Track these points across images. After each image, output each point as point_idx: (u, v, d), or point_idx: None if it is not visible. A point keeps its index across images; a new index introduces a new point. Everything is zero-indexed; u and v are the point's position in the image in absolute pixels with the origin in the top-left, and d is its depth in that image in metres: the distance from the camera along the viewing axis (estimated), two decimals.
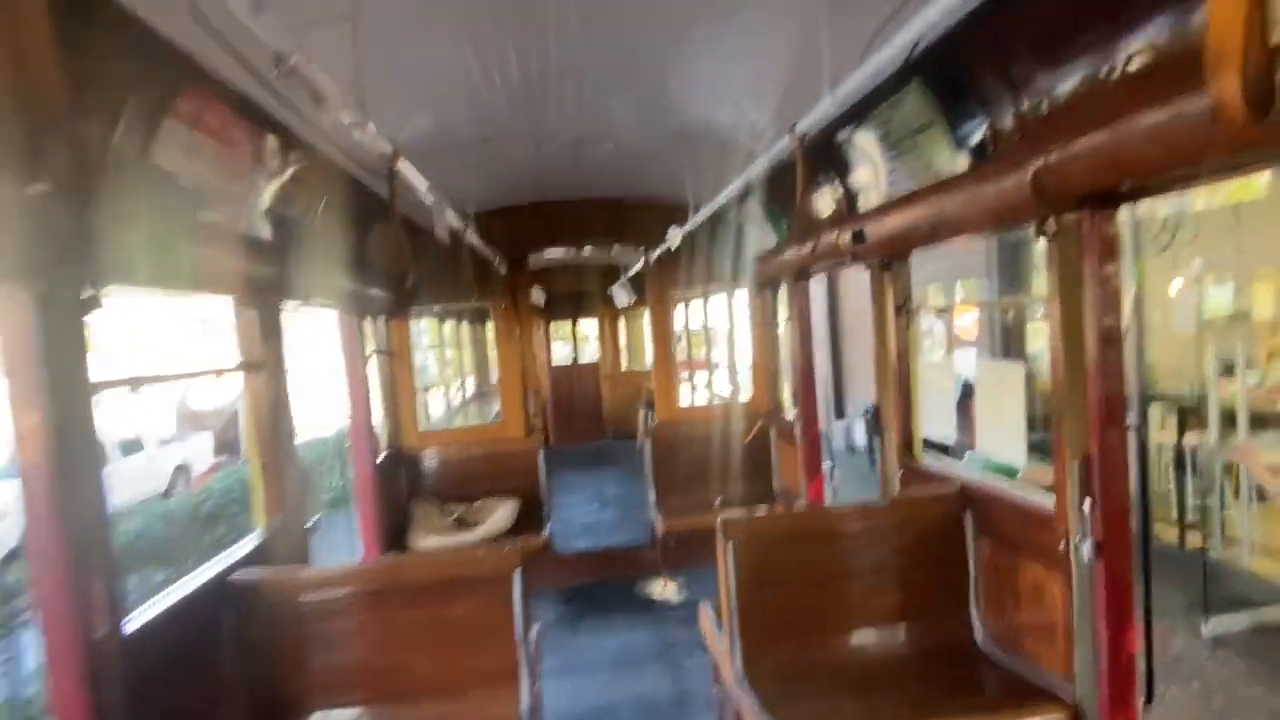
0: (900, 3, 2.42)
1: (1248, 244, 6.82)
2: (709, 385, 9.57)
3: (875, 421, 4.08)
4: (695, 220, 4.33)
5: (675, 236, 4.76)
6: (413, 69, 2.94)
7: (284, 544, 3.25)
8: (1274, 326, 7.03)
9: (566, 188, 5.47)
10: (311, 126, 2.82)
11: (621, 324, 13.79)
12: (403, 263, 5.42)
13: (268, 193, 2.99)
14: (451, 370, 9.96)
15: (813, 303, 6.34)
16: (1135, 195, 2.26)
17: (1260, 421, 6.29)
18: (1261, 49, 0.90)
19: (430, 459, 5.97)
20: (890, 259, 3.84)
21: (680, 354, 11.44)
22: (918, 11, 2.34)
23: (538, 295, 10.63)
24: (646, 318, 14.34)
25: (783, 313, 6.09)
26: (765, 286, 6.18)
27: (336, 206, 3.72)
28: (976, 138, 2.66)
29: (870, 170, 3.48)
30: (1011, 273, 8.47)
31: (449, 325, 9.45)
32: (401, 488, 5.77)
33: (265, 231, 3.04)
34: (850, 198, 3.76)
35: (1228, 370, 6.38)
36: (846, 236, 3.88)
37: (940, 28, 2.46)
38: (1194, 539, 6.24)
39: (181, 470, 15.22)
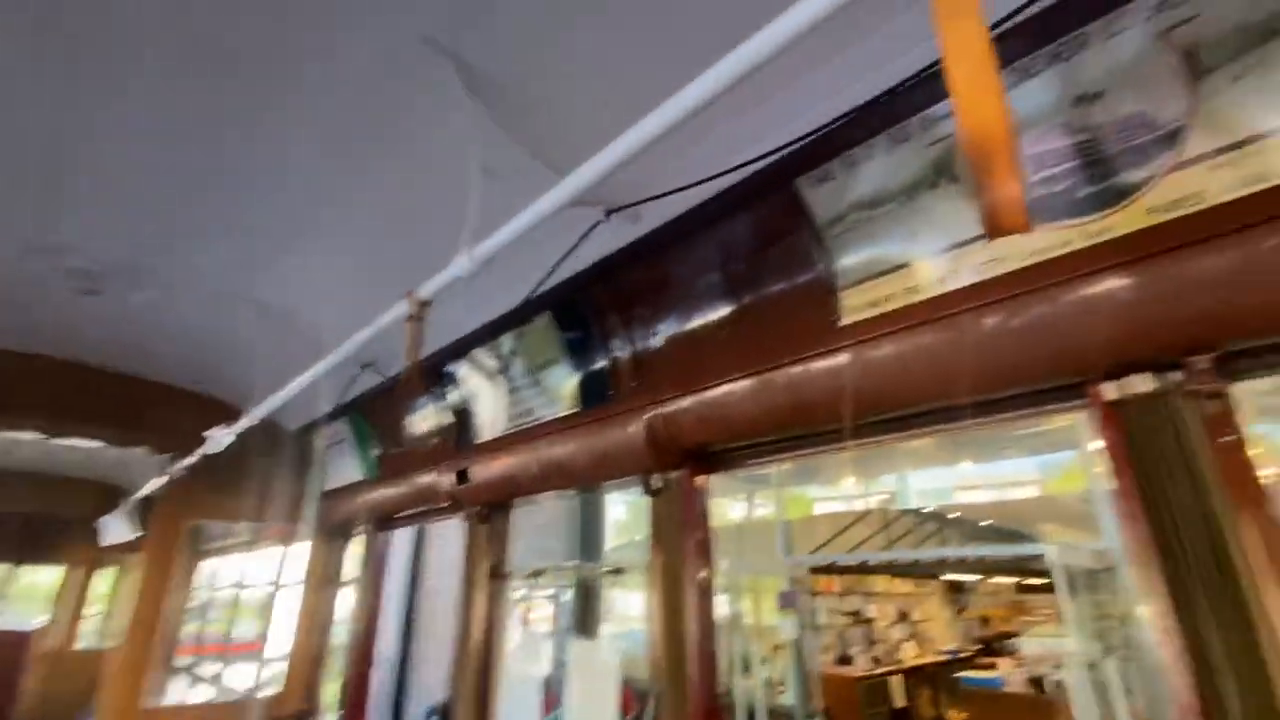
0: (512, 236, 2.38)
1: (743, 558, 8.57)
2: (218, 677, 6.75)
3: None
4: (250, 418, 3.20)
5: (219, 438, 3.43)
6: None
7: None
8: (758, 629, 8.57)
9: (60, 333, 3.69)
10: None
11: (107, 575, 9.43)
12: None
13: None
14: None
15: (393, 565, 5.25)
16: (740, 459, 2.32)
17: (773, 714, 7.11)
18: None
19: None
20: (492, 509, 3.34)
21: (191, 627, 8.16)
22: (552, 246, 2.31)
23: None
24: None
25: (350, 569, 4.81)
26: (333, 534, 4.90)
27: None
28: (598, 380, 2.57)
29: (487, 403, 3.14)
30: (590, 554, 8.85)
31: None
32: None
33: None
34: (460, 432, 3.29)
35: (745, 667, 7.27)
36: (449, 477, 3.30)
37: (574, 266, 2.47)
38: None
39: None
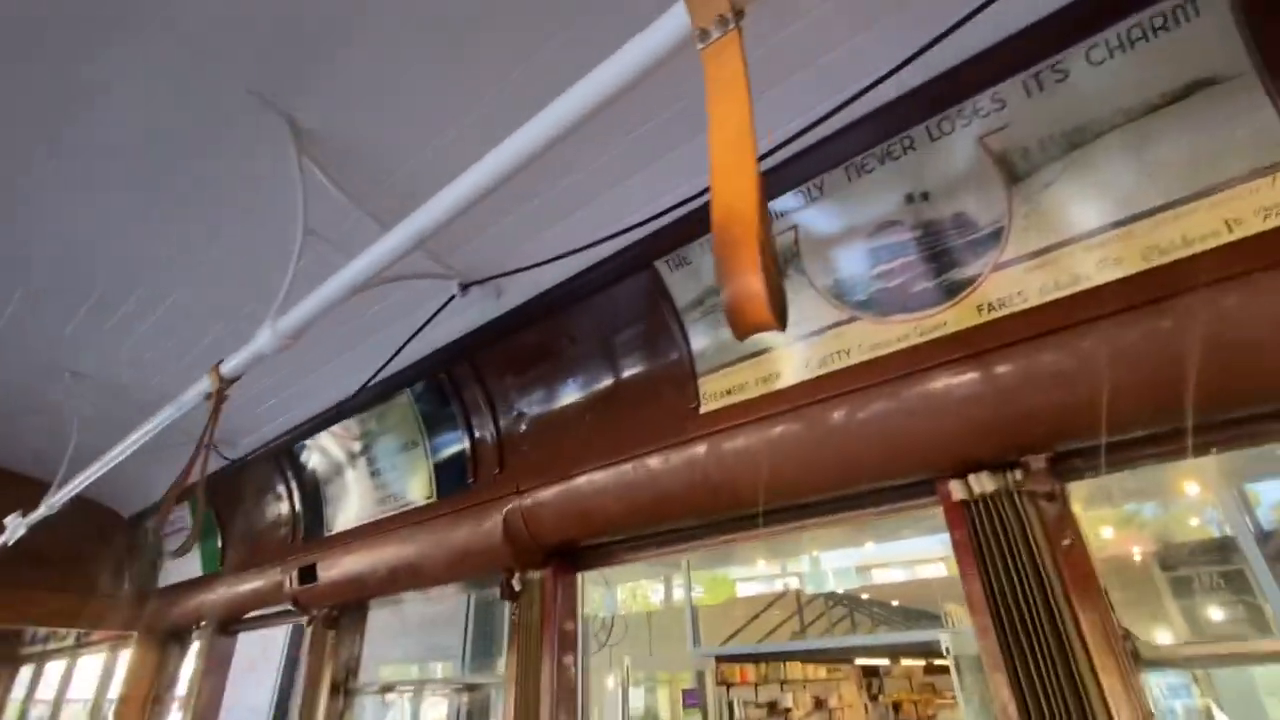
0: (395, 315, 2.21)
1: (657, 647, 8.12)
2: None
3: None
4: (47, 507, 2.70)
5: (15, 527, 2.88)
6: None
7: None
8: None
9: None
10: None
11: None
12: None
13: None
14: None
15: (253, 675, 4.55)
16: (607, 555, 2.12)
17: None
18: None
19: None
20: (342, 611, 2.94)
21: None
22: (411, 321, 2.14)
23: None
24: None
25: (184, 686, 4.11)
26: (167, 639, 4.20)
27: None
28: (456, 464, 2.34)
29: (342, 489, 2.81)
30: (486, 649, 8.12)
31: None
32: None
33: None
34: (310, 523, 2.93)
35: None
36: (293, 575, 2.90)
37: (435, 342, 2.30)
38: None
39: None
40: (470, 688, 3.18)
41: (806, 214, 1.56)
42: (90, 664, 5.71)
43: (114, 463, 2.44)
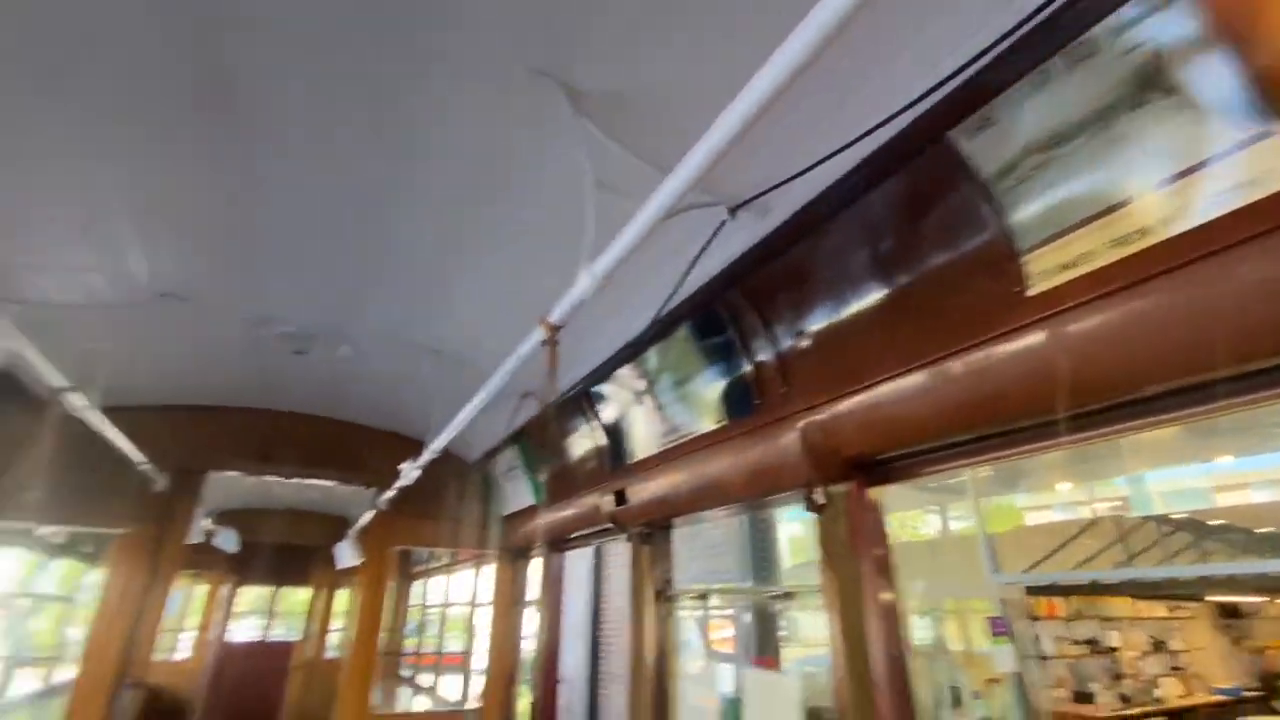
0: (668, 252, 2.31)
1: (941, 577, 7.63)
2: (434, 688, 7.48)
3: None
4: (430, 451, 3.50)
5: (409, 471, 3.82)
6: (58, 176, 2.09)
7: None
8: (969, 657, 7.55)
9: (285, 392, 4.37)
10: None
11: (345, 596, 10.99)
12: None
13: None
14: (43, 639, 6.64)
15: (574, 584, 5.44)
16: (916, 468, 2.02)
17: None
18: None
19: None
20: (651, 530, 3.29)
21: (410, 643, 9.17)
22: (682, 256, 2.21)
23: (227, 539, 8.16)
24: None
25: (534, 591, 5.07)
26: (515, 557, 5.21)
27: None
28: (741, 389, 2.42)
29: (637, 422, 3.12)
30: (764, 574, 8.51)
31: (58, 565, 6.56)
32: None
33: None
34: (614, 453, 3.30)
35: (955, 701, 6.43)
36: (608, 499, 3.32)
37: (706, 274, 2.36)
38: None
39: None
40: (773, 598, 3.34)
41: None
42: (463, 578, 7.36)
43: (470, 417, 3.04)
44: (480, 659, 6.48)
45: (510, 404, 3.41)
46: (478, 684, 6.36)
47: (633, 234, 1.49)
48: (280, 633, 10.73)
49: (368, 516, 6.08)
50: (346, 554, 8.38)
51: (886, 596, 2.01)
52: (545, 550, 4.54)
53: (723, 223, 2.03)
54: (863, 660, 1.96)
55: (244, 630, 10.56)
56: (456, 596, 8.00)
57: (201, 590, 9.68)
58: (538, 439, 4.02)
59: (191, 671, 8.83)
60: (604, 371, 3.08)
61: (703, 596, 3.07)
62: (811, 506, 2.22)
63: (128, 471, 3.96)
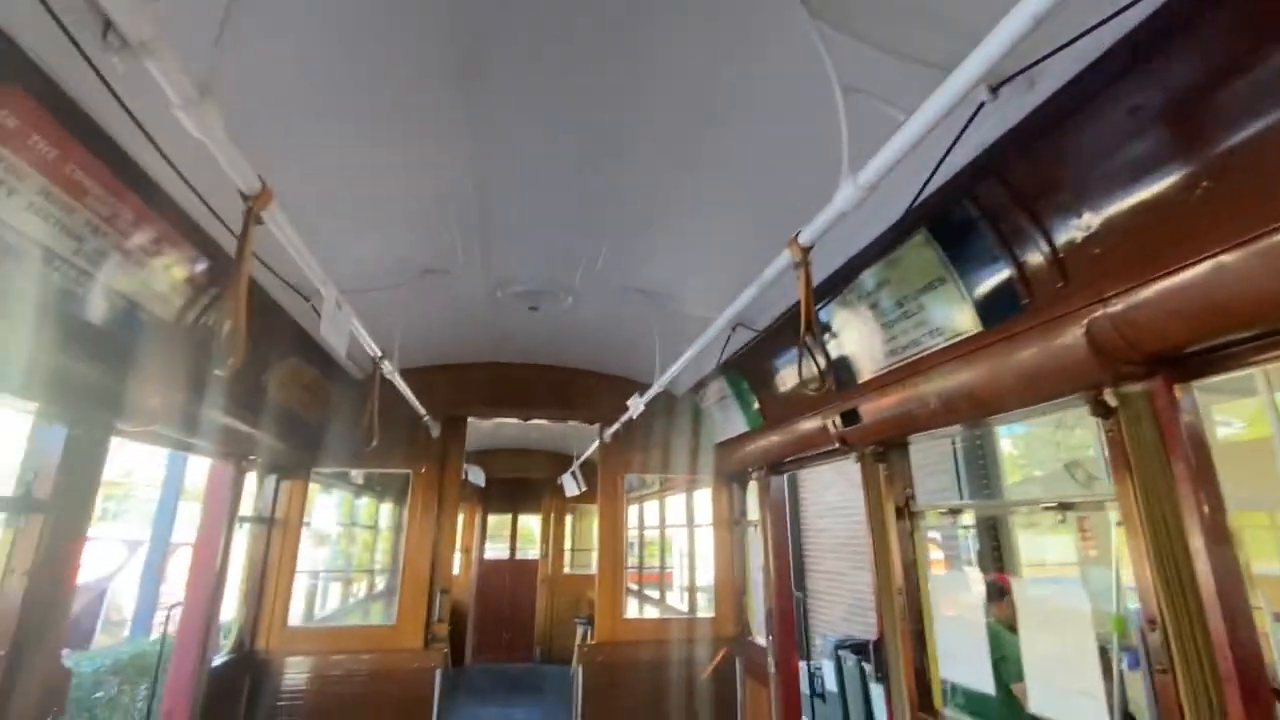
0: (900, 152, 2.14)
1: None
2: (660, 600, 8.24)
3: (878, 660, 3.09)
4: (658, 385, 3.75)
5: (636, 406, 4.14)
6: (346, 173, 2.48)
7: None
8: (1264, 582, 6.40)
9: (519, 344, 4.92)
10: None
11: (569, 520, 12.46)
12: (316, 409, 4.62)
13: (130, 271, 2.29)
14: (360, 558, 8.45)
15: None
16: (1240, 358, 1.74)
17: None
18: None
19: (293, 671, 4.50)
20: (886, 448, 3.23)
21: (630, 562, 10.16)
22: (921, 157, 2.03)
23: (477, 475, 9.56)
24: (596, 515, 13.01)
25: (752, 513, 5.29)
26: (730, 481, 5.45)
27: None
28: (1003, 292, 2.21)
29: (864, 339, 3.02)
30: (983, 492, 7.94)
31: (365, 500, 8.21)
32: (237, 713, 4.23)
33: (106, 321, 2.28)
34: (839, 373, 3.26)
35: None
36: (834, 419, 3.30)
37: (949, 169, 2.15)
38: None
39: None
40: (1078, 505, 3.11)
41: None
42: (675, 501, 7.89)
43: (696, 352, 3.17)
44: (694, 576, 7.00)
45: (721, 334, 3.48)
46: (696, 598, 6.91)
47: (909, 135, 1.41)
48: (523, 554, 12.50)
49: (592, 449, 6.71)
50: (571, 484, 9.41)
51: (1212, 509, 1.79)
52: (763, 474, 4.68)
53: (980, 105, 1.82)
54: (1182, 584, 1.77)
55: (494, 551, 12.43)
56: (672, 520, 8.64)
57: (460, 518, 11.60)
58: (753, 367, 4.08)
59: (463, 583, 10.66)
60: (828, 288, 3.00)
61: (953, 513, 2.97)
62: (1098, 410, 2.02)
63: (415, 422, 4.80)
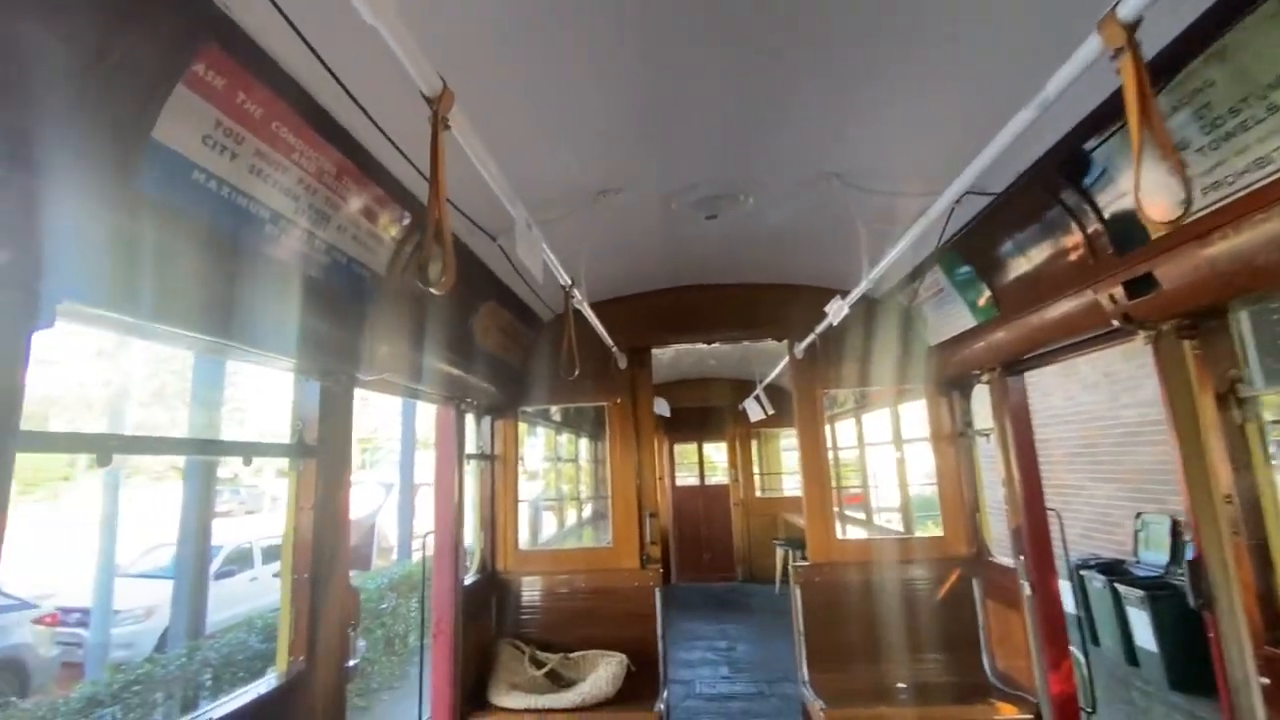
0: None
1: None
2: (867, 521, 7.82)
3: (1195, 580, 2.48)
4: (868, 281, 3.26)
5: (838, 310, 3.68)
6: (522, 93, 2.33)
7: (309, 692, 2.41)
8: None
9: (698, 264, 4.67)
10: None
11: (754, 445, 12.35)
12: (516, 351, 4.83)
13: (349, 231, 2.41)
14: (567, 489, 9.11)
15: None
16: None
17: None
18: None
19: (528, 588, 4.95)
20: (1196, 320, 2.49)
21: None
22: None
23: (661, 406, 9.72)
24: (782, 439, 12.88)
25: (980, 422, 4.63)
26: (950, 388, 4.79)
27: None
28: None
29: (1159, 179, 2.27)
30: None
31: (565, 437, 8.73)
32: (489, 623, 4.75)
33: (335, 280, 2.44)
34: (1120, 234, 2.53)
35: None
36: (1112, 292, 2.61)
37: None
38: None
39: None
40: None
41: None
42: (878, 416, 7.30)
43: (916, 235, 2.66)
44: (907, 495, 6.44)
45: (941, 217, 2.88)
46: (905, 518, 6.39)
47: None
48: (711, 479, 12.73)
49: (779, 369, 6.36)
50: (755, 409, 9.17)
51: None
52: (995, 375, 4.01)
53: None
54: None
55: (683, 478, 12.81)
56: (875, 437, 8.07)
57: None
58: (981, 246, 3.41)
59: (661, 509, 11.14)
60: (1097, 122, 2.30)
61: None
62: None
63: (605, 356, 4.83)
